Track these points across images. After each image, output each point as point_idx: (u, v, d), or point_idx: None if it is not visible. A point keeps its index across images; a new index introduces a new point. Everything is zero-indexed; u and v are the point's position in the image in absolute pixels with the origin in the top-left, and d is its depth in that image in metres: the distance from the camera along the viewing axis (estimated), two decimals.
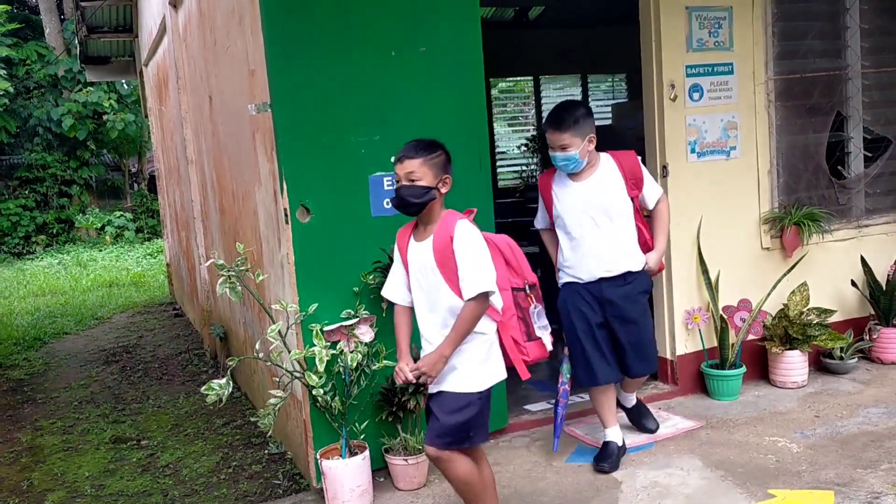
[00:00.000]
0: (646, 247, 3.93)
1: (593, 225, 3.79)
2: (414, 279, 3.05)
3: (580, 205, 3.79)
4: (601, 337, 3.86)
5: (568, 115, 3.67)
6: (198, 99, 5.98)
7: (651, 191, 3.90)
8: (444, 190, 3.00)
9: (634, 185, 3.83)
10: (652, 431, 4.24)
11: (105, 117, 17.36)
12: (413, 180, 2.94)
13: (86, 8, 8.95)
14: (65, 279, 13.23)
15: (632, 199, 3.82)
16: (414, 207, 2.97)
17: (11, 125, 17.13)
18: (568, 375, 3.98)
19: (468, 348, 2.95)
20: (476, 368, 2.98)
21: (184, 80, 6.51)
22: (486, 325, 2.99)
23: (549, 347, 3.16)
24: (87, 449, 5.01)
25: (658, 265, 3.96)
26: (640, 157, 3.91)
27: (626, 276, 3.83)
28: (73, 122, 16.97)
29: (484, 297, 2.88)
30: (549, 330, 3.17)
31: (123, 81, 17.30)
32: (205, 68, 5.44)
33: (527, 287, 3.12)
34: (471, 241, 2.91)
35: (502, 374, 3.08)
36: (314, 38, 3.71)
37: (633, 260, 3.85)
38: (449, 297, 2.93)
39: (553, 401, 4.81)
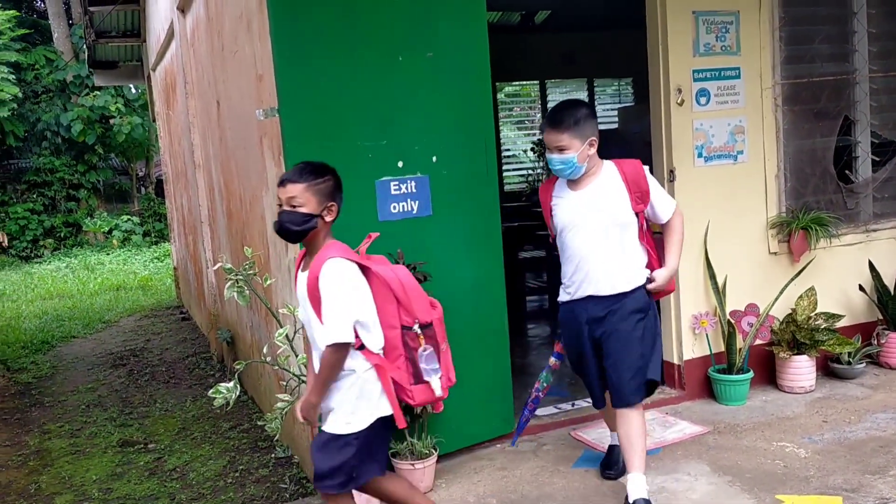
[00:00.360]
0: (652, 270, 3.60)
1: (591, 239, 3.45)
2: (300, 309, 2.93)
3: (578, 217, 3.47)
4: (594, 360, 3.58)
5: (568, 115, 3.37)
6: (205, 103, 6.00)
7: (663, 204, 3.51)
8: (328, 218, 2.81)
9: (640, 198, 3.44)
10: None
11: (112, 121, 17.43)
12: (294, 206, 2.77)
13: (94, 13, 8.99)
14: (72, 283, 13.27)
15: (637, 215, 3.45)
16: (293, 235, 2.81)
17: (20, 129, 17.21)
18: (545, 384, 3.91)
19: (339, 387, 2.80)
20: (349, 408, 2.81)
21: (191, 84, 6.53)
22: (357, 363, 2.80)
23: (439, 392, 2.88)
24: (94, 452, 5.02)
25: (667, 283, 3.54)
26: (647, 167, 3.52)
27: (620, 296, 3.47)
28: (82, 128, 17.06)
29: (339, 346, 2.71)
30: (440, 374, 2.87)
31: (131, 86, 17.36)
32: (212, 73, 5.46)
33: (417, 327, 2.83)
34: (334, 284, 2.70)
35: (385, 410, 2.85)
36: (322, 43, 3.72)
37: (633, 281, 3.48)
38: (321, 333, 2.77)
39: (559, 405, 4.83)
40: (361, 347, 2.78)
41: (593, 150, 3.42)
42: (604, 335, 3.49)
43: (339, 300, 2.70)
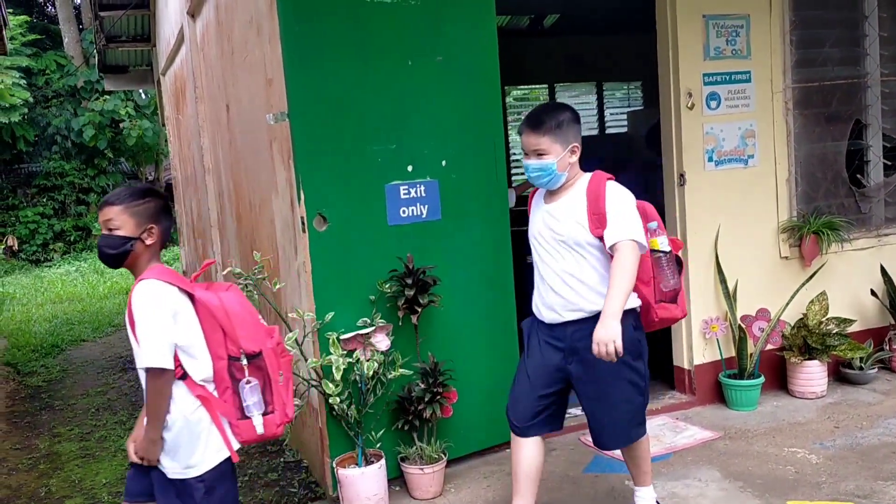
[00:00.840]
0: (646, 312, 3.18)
1: (546, 260, 3.15)
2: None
3: (545, 231, 3.15)
4: (542, 379, 3.20)
5: (549, 116, 3.05)
6: (215, 108, 6.02)
7: (612, 228, 2.95)
8: (148, 241, 2.60)
9: (598, 220, 2.99)
10: None
11: (122, 125, 17.52)
12: (111, 229, 2.58)
13: (104, 18, 9.03)
14: (82, 286, 13.33)
15: (600, 239, 3.01)
16: (111, 259, 2.61)
17: (30, 134, 17.31)
18: None
19: (170, 427, 2.56)
20: (185, 451, 2.57)
21: (201, 89, 6.55)
22: (182, 401, 2.56)
23: (260, 430, 2.62)
24: (104, 456, 5.03)
25: (604, 338, 2.80)
26: (614, 186, 3.07)
27: (581, 322, 3.07)
28: (94, 133, 17.15)
29: (157, 372, 2.48)
30: (263, 410, 2.61)
31: (141, 91, 17.45)
32: (222, 77, 5.48)
33: (243, 357, 2.58)
34: (146, 306, 2.49)
35: (225, 452, 2.63)
36: (332, 47, 3.72)
37: (590, 306, 3.06)
38: (138, 356, 2.56)
39: (569, 410, 4.80)
40: (184, 377, 2.56)
41: (575, 159, 3.08)
42: (577, 374, 3.13)
43: (152, 322, 2.49)
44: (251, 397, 2.60)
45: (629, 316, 3.03)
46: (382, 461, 3.76)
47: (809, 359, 4.75)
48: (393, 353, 3.82)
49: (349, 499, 3.67)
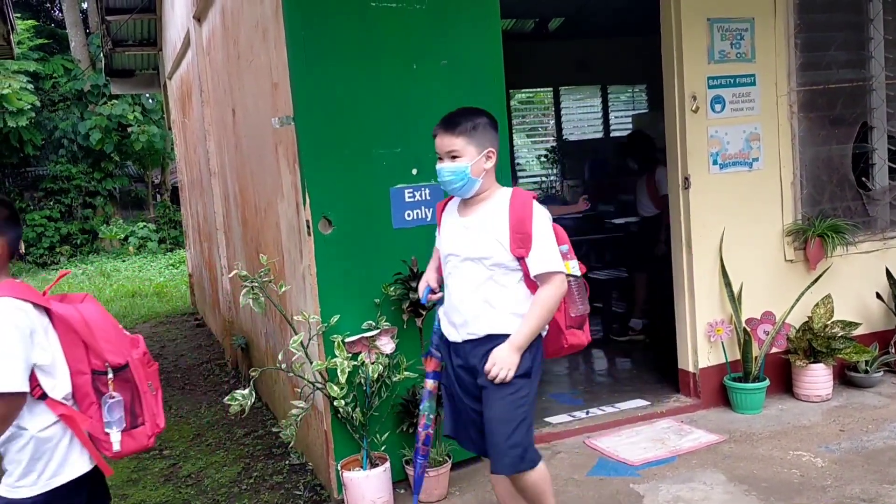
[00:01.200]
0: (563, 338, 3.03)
1: (457, 277, 2.97)
2: None
3: (450, 247, 2.99)
4: (467, 398, 3.04)
5: (465, 118, 2.90)
6: (221, 112, 6.04)
7: (537, 257, 2.82)
8: None
9: (520, 241, 2.83)
10: None
11: (130, 129, 17.59)
12: None
13: (111, 22, 9.09)
14: (88, 289, 13.36)
15: (519, 260, 2.86)
16: None
17: (38, 138, 17.39)
18: (431, 416, 3.21)
19: (8, 449, 2.38)
20: (23, 472, 2.36)
21: (207, 93, 6.58)
22: (34, 421, 2.37)
23: (117, 447, 2.48)
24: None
25: (501, 363, 2.81)
26: (540, 208, 2.90)
27: (487, 341, 2.91)
28: (100, 137, 17.23)
29: (9, 397, 2.28)
30: (123, 427, 2.48)
31: (147, 95, 17.52)
32: (228, 81, 5.50)
33: (109, 371, 2.44)
34: None
35: (75, 471, 2.45)
36: (337, 51, 3.74)
37: (500, 326, 2.90)
38: None
39: (573, 413, 4.81)
40: (43, 397, 2.36)
41: (490, 165, 2.92)
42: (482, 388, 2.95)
43: (4, 344, 2.27)
44: (113, 414, 2.45)
45: (539, 339, 2.96)
46: (387, 464, 3.77)
47: (814, 362, 4.75)
48: (398, 356, 3.83)
49: (354, 501, 3.68)
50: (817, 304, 4.82)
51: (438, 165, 2.94)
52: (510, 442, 2.85)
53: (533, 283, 2.89)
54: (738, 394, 4.71)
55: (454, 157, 2.89)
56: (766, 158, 4.87)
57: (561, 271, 2.86)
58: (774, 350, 4.81)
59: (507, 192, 2.95)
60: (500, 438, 2.86)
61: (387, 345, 3.77)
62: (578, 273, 2.99)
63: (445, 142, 2.91)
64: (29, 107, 16.32)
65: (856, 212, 5.17)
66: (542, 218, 2.88)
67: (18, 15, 17.15)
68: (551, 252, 2.85)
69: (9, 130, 16.40)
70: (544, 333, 3.01)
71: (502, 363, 2.81)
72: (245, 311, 6.00)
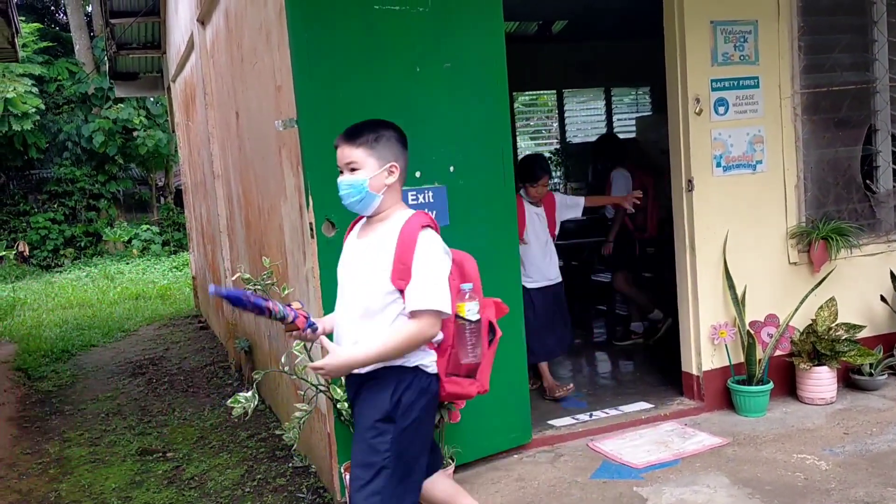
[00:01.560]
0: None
1: (341, 303, 2.83)
2: None
3: (350, 268, 2.82)
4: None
5: (368, 129, 2.73)
6: (225, 114, 6.05)
7: (411, 294, 2.60)
8: None
9: (402, 273, 2.62)
10: None
11: (135, 134, 17.63)
12: None
13: (115, 25, 9.11)
14: (92, 292, 13.39)
15: (400, 292, 2.64)
16: None
17: (42, 141, 17.43)
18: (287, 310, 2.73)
19: None
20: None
21: (211, 95, 6.59)
22: None
23: None
24: (113, 461, 5.06)
25: (326, 365, 2.63)
26: (429, 237, 2.65)
27: (363, 375, 2.73)
28: (103, 139, 17.28)
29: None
30: None
31: (152, 98, 17.57)
32: (232, 84, 5.51)
33: None
34: None
35: None
36: (340, 54, 3.74)
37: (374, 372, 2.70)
38: None
39: (576, 416, 4.81)
40: None
41: (392, 181, 2.72)
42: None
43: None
44: None
45: (415, 379, 2.69)
46: None
47: (819, 365, 4.74)
48: None
49: None
50: (821, 307, 4.81)
51: (339, 179, 2.75)
52: (367, 490, 2.63)
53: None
54: (741, 397, 4.70)
55: (353, 170, 2.71)
56: (769, 161, 4.86)
57: (434, 310, 2.58)
58: (778, 353, 4.80)
59: (406, 215, 2.73)
60: (356, 483, 2.66)
61: None
62: (475, 318, 2.70)
63: (345, 153, 2.72)
64: (34, 110, 16.36)
65: (862, 214, 5.16)
66: (427, 250, 2.62)
67: (23, 18, 17.21)
68: (429, 289, 2.58)
69: (13, 133, 16.45)
70: (431, 379, 2.73)
71: (327, 365, 2.64)
72: (248, 314, 5.99)
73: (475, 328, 2.72)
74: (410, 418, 2.69)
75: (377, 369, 2.67)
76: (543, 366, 5.30)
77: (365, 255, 2.73)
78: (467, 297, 2.68)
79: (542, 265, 5.29)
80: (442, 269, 2.65)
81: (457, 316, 2.69)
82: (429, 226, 2.69)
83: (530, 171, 5.28)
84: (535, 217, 5.31)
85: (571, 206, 5.55)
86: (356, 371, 2.71)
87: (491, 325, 2.84)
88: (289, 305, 2.73)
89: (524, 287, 4.83)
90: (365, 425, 2.69)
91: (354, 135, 2.72)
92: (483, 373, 2.84)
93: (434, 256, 2.63)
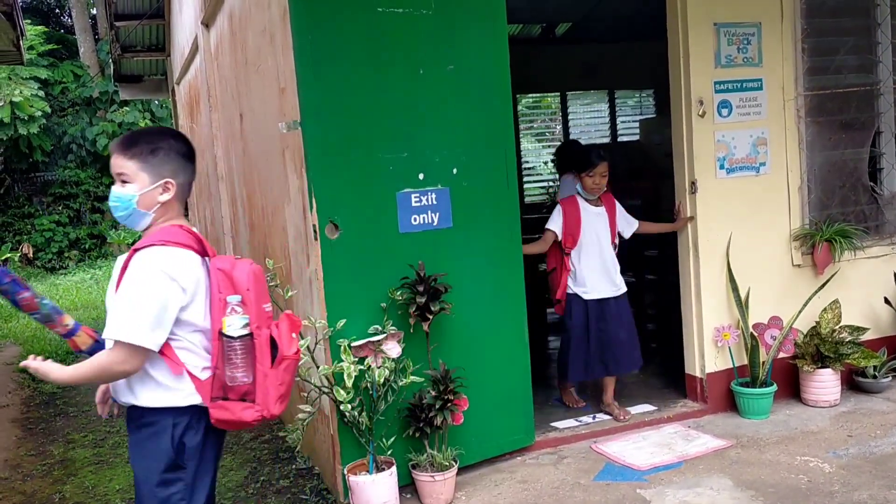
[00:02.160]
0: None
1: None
2: None
3: (112, 287, 2.61)
4: None
5: (145, 140, 2.47)
6: (228, 116, 6.07)
7: (108, 322, 2.45)
8: None
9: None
10: None
11: None
12: None
13: (120, 27, 9.13)
14: (97, 294, 13.41)
15: None
16: None
17: (47, 144, 17.48)
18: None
19: None
20: None
21: (215, 98, 6.61)
22: None
23: None
24: (117, 462, 5.06)
25: (41, 368, 2.56)
26: (144, 257, 2.38)
27: (132, 412, 2.56)
28: (107, 142, 17.32)
29: None
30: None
31: (157, 101, 17.61)
32: (235, 86, 5.52)
33: None
34: None
35: None
36: (344, 56, 3.75)
37: (134, 396, 2.49)
38: None
39: (580, 418, 4.80)
40: None
41: (167, 198, 2.47)
42: None
43: None
44: None
45: (177, 418, 2.45)
46: (393, 468, 3.77)
47: (822, 367, 4.73)
48: (404, 361, 3.83)
49: None
50: (825, 309, 4.80)
51: (111, 189, 2.51)
52: None
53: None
54: (745, 399, 4.69)
55: (124, 182, 2.45)
56: (773, 163, 4.86)
57: (121, 341, 2.33)
58: (782, 355, 4.79)
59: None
60: None
61: (393, 349, 3.77)
62: (237, 333, 2.40)
63: (117, 162, 2.46)
64: (40, 114, 16.41)
65: (869, 216, 5.15)
66: (133, 274, 2.36)
67: (28, 20, 17.28)
68: (121, 317, 2.33)
69: (18, 136, 16.50)
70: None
71: (40, 367, 2.53)
72: None
73: (243, 345, 2.41)
74: (199, 463, 2.50)
75: (148, 407, 2.46)
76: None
77: (115, 279, 2.49)
78: (231, 310, 2.40)
79: (594, 275, 4.73)
80: (146, 294, 2.33)
81: (220, 333, 2.41)
82: (154, 245, 2.39)
83: (585, 157, 4.66)
84: (594, 218, 4.73)
85: (628, 223, 4.87)
86: (124, 403, 2.55)
87: (274, 341, 2.49)
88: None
89: (570, 293, 4.76)
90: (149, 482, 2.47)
91: (129, 144, 2.46)
92: (266, 395, 2.44)
93: (138, 280, 2.35)
